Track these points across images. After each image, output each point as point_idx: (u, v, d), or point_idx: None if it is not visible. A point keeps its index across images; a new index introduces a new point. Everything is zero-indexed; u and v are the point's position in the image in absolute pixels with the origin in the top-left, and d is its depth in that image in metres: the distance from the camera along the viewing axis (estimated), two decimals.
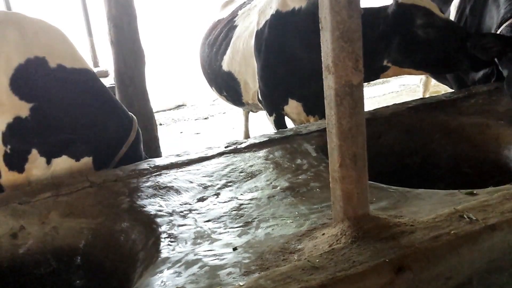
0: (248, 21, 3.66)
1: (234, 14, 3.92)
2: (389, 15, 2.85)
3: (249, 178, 2.04)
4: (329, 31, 1.22)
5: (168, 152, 3.36)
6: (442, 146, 2.61)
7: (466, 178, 2.52)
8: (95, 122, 2.32)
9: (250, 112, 4.86)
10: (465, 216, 1.28)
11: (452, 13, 3.60)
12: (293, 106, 3.45)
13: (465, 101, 2.80)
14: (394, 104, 2.92)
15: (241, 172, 2.10)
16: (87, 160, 2.30)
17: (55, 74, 2.21)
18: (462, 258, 1.19)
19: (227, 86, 3.90)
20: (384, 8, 2.92)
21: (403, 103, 2.92)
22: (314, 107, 3.39)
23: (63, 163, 2.25)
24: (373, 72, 3.05)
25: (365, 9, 2.92)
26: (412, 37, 2.81)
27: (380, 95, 7.63)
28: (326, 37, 1.24)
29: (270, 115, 3.64)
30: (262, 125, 5.21)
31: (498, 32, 2.76)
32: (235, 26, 3.78)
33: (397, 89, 7.91)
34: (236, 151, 2.32)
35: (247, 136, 5.25)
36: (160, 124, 6.82)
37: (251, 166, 2.14)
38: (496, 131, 2.47)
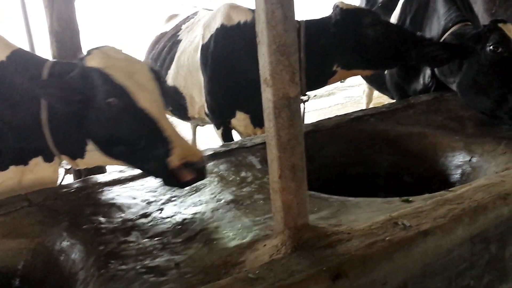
0: (193, 35, 3.67)
1: (177, 28, 3.91)
2: (337, 22, 2.93)
3: (194, 192, 2.02)
4: (266, 45, 1.25)
5: (115, 168, 3.27)
6: (383, 156, 2.70)
7: (407, 186, 2.62)
8: None
9: (198, 126, 4.83)
10: (399, 223, 1.33)
11: None
12: (240, 119, 3.46)
13: (405, 111, 2.93)
14: (336, 116, 3.00)
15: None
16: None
17: None
18: (397, 264, 1.24)
19: (173, 101, 3.87)
20: (330, 17, 3.00)
21: (345, 114, 3.01)
22: (261, 119, 3.40)
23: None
24: (323, 79, 3.13)
25: (311, 21, 3.03)
26: (361, 38, 2.90)
27: (326, 107, 7.81)
28: (263, 50, 1.26)
29: (218, 128, 3.64)
30: (211, 139, 5.19)
31: (441, 41, 2.91)
32: (179, 41, 3.77)
33: (342, 101, 8.13)
34: None
35: None
36: None
37: None
38: (433, 140, 2.59)
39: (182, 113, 3.88)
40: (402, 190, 2.56)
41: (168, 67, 3.77)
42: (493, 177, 1.64)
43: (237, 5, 3.50)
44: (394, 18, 3.75)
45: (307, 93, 3.20)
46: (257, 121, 3.41)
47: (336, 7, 2.98)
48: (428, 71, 3.24)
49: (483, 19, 4.55)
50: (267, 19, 1.22)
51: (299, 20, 3.06)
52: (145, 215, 1.87)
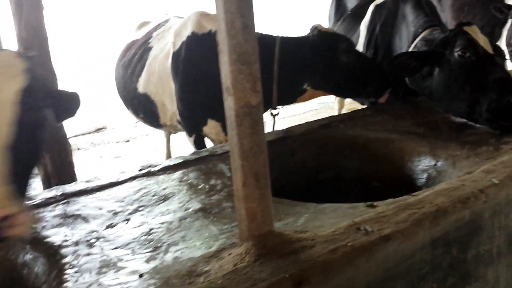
0: (163, 42, 3.65)
1: (148, 36, 3.89)
2: (313, 43, 3.03)
3: (162, 201, 2.00)
4: (226, 54, 1.25)
5: (82, 178, 3.22)
6: (352, 161, 2.73)
7: (376, 191, 2.65)
8: None
9: (172, 134, 4.80)
10: (362, 228, 1.35)
11: (363, 33, 3.81)
12: (212, 126, 3.46)
13: (373, 117, 2.98)
14: (307, 122, 3.03)
15: (153, 195, 2.06)
16: None
17: None
18: (359, 269, 1.25)
19: (143, 108, 3.83)
20: (307, 37, 3.10)
21: (315, 121, 3.05)
22: None
23: None
24: (293, 96, 3.22)
25: (288, 38, 3.12)
26: (334, 62, 3.01)
27: (301, 113, 7.86)
28: (224, 59, 1.26)
29: (190, 135, 3.63)
30: (185, 146, 5.17)
31: (412, 47, 2.97)
32: (150, 48, 3.75)
33: (316, 107, 8.19)
34: (150, 174, 2.27)
35: (168, 156, 5.18)
36: (78, 149, 6.53)
37: (164, 189, 2.11)
38: (400, 145, 2.64)
39: (154, 120, 3.85)
40: (372, 194, 2.61)
41: (139, 74, 3.74)
42: (454, 181, 1.68)
43: (208, 13, 3.50)
44: (364, 26, 3.80)
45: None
46: None
47: (314, 28, 3.09)
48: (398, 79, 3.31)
49: (451, 27, 4.67)
50: (227, 28, 1.23)
51: (275, 35, 3.14)
52: (111, 226, 1.84)
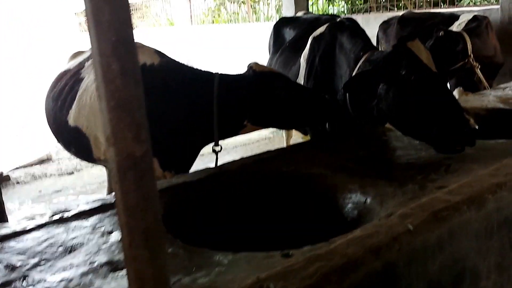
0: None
1: (81, 66, 3.72)
2: (250, 82, 3.03)
3: (67, 253, 1.82)
4: (104, 101, 1.12)
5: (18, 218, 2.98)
6: (286, 198, 2.64)
7: (310, 229, 2.56)
8: None
9: None
10: (265, 286, 1.23)
11: (302, 64, 3.81)
12: None
13: (309, 151, 2.91)
14: (241, 158, 2.94)
15: (60, 246, 1.87)
16: None
17: None
18: None
19: (75, 142, 3.64)
20: (244, 76, 3.10)
21: (249, 156, 2.95)
22: (170, 163, 3.30)
23: None
24: (234, 131, 3.20)
25: (227, 76, 3.12)
26: (272, 99, 3.00)
27: (254, 142, 7.80)
28: (103, 106, 1.13)
29: None
30: None
31: (356, 70, 2.96)
32: (82, 79, 3.58)
33: (270, 135, 8.16)
34: (61, 220, 2.08)
35: (111, 191, 4.95)
36: (17, 183, 6.18)
37: (73, 238, 1.92)
38: (332, 181, 2.56)
39: (87, 155, 3.66)
40: (305, 232, 2.52)
41: (69, 107, 3.56)
42: (369, 227, 1.60)
43: (143, 45, 3.39)
44: (303, 58, 3.80)
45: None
46: (166, 164, 3.29)
47: (250, 68, 3.09)
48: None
49: None
50: (103, 72, 1.10)
51: (214, 72, 3.14)
52: (5, 284, 1.64)
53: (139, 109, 1.15)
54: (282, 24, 4.67)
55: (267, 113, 3.07)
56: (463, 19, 4.66)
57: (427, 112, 2.43)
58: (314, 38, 3.72)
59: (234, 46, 9.94)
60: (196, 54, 11.49)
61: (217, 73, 3.15)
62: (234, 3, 12.82)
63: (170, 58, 3.34)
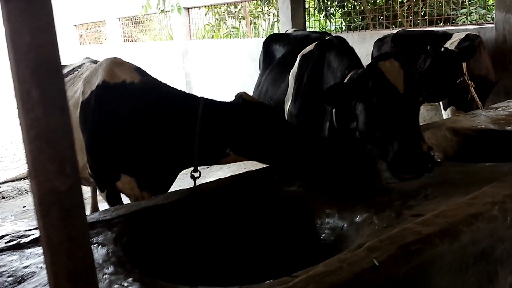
0: (73, 90, 3.41)
1: None
2: (237, 111, 2.91)
3: (17, 284, 1.71)
4: (24, 130, 1.03)
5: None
6: (266, 220, 2.54)
7: (290, 252, 2.46)
8: None
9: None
10: None
11: (291, 82, 3.74)
12: (126, 182, 3.21)
13: (288, 173, 2.82)
14: (219, 179, 2.85)
15: (10, 276, 1.76)
16: None
17: None
18: None
19: None
20: (232, 104, 2.99)
21: (227, 177, 2.87)
22: (149, 182, 3.21)
23: None
24: (214, 158, 3.07)
25: (213, 101, 3.00)
26: (257, 131, 2.89)
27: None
28: (23, 136, 1.04)
29: (102, 191, 3.36)
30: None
31: None
32: None
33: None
34: (17, 246, 1.99)
35: (95, 209, 4.86)
36: (3, 198, 6.10)
37: (26, 267, 1.82)
38: (312, 204, 2.47)
39: None
40: (286, 255, 2.41)
41: None
42: (333, 261, 1.48)
43: (123, 61, 3.30)
44: (292, 76, 3.75)
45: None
46: (144, 184, 3.20)
47: (239, 97, 2.97)
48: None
49: None
50: (21, 100, 1.01)
51: (200, 96, 3.04)
52: None
53: (64, 140, 1.06)
54: (272, 41, 4.60)
55: (251, 145, 2.94)
56: (456, 38, 4.59)
57: (383, 135, 2.39)
58: (302, 56, 3.66)
59: (233, 61, 9.91)
60: (194, 68, 11.48)
61: (203, 97, 3.04)
62: (234, 18, 12.82)
63: (151, 76, 3.25)
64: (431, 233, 1.60)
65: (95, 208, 4.83)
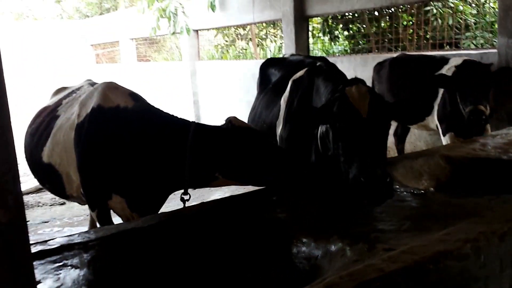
0: (70, 112, 3.50)
1: (58, 103, 3.74)
2: (226, 136, 2.98)
3: None
4: None
5: None
6: (248, 244, 2.53)
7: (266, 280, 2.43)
8: None
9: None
10: None
11: (283, 106, 3.77)
12: (117, 202, 3.26)
13: (268, 198, 2.81)
14: (202, 202, 2.86)
15: None
16: None
17: None
18: None
19: (49, 178, 3.63)
20: (221, 128, 3.06)
21: (208, 202, 2.87)
22: (139, 204, 3.25)
23: None
24: (204, 182, 3.12)
25: (203, 126, 3.10)
26: (245, 157, 2.94)
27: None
28: None
29: (93, 210, 3.42)
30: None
31: None
32: (57, 116, 3.59)
33: None
34: None
35: (93, 225, 4.89)
36: None
37: None
38: (290, 232, 2.45)
39: (60, 191, 3.64)
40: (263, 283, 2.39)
41: (44, 144, 3.55)
42: None
43: (117, 86, 3.38)
44: (283, 100, 3.78)
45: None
46: (135, 205, 3.24)
47: (229, 121, 3.05)
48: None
49: (388, 98, 4.68)
50: None
51: (191, 121, 3.12)
52: None
53: (7, 173, 1.08)
54: (268, 65, 4.66)
55: (239, 169, 2.98)
56: (453, 63, 4.57)
57: (345, 159, 2.43)
58: (293, 81, 3.70)
59: (239, 81, 9.99)
60: (202, 88, 11.60)
61: (194, 122, 3.11)
62: (242, 40, 13.01)
63: (145, 101, 3.32)
64: (394, 270, 1.57)
65: (93, 224, 4.87)
